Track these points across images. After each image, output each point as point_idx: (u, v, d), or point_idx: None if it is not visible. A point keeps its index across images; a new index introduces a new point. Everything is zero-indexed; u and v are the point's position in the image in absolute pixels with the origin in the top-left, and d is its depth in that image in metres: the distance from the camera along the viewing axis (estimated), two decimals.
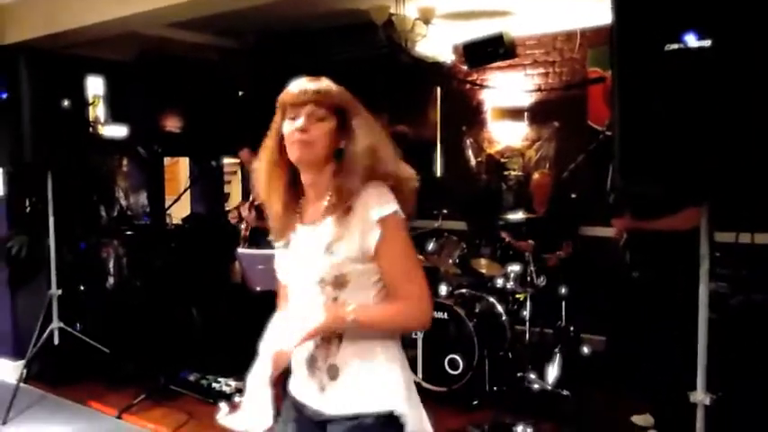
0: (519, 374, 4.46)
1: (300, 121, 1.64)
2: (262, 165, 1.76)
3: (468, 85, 6.29)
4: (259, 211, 4.33)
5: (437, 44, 5.91)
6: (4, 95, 4.50)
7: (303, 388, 1.76)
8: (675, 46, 1.98)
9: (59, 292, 4.62)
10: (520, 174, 6.07)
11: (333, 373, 1.69)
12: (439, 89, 6.50)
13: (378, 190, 1.65)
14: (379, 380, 1.67)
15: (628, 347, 3.90)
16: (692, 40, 1.96)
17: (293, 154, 1.67)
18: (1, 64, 4.66)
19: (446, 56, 6.29)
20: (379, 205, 1.63)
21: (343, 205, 1.65)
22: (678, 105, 2.00)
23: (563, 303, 4.76)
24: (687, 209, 3.29)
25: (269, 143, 1.75)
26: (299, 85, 1.69)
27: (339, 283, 1.66)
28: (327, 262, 1.65)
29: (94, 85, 5.84)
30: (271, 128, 1.75)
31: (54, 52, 4.72)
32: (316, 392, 1.72)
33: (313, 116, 1.65)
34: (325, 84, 1.69)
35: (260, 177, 1.77)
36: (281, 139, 1.71)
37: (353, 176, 1.64)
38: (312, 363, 1.71)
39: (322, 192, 1.71)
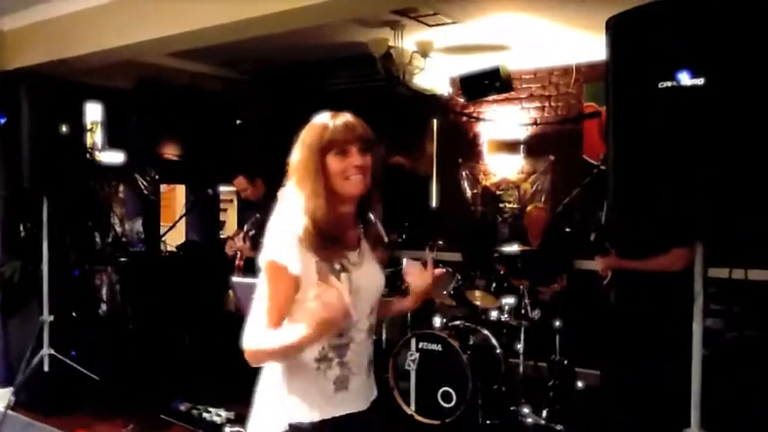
0: (512, 408, 4.42)
1: (357, 157, 1.72)
2: (322, 205, 1.69)
3: (464, 118, 6.35)
4: (254, 241, 4.32)
5: (434, 77, 5.98)
6: (3, 120, 4.53)
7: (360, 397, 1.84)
8: (669, 84, 2.01)
9: (51, 318, 4.59)
10: (515, 206, 6.10)
11: None
12: (436, 121, 6.56)
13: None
14: None
15: (622, 382, 3.87)
16: (685, 79, 1.99)
17: (352, 189, 1.73)
18: (1, 89, 4.70)
19: (443, 88, 6.36)
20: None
21: (379, 229, 1.88)
22: (671, 142, 2.03)
23: (557, 337, 4.74)
24: (676, 249, 3.28)
25: (315, 184, 1.70)
26: (343, 121, 1.74)
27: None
28: (384, 277, 1.87)
29: (93, 112, 5.88)
30: (303, 168, 1.72)
31: (54, 79, 4.76)
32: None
33: (361, 150, 1.73)
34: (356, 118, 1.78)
35: (326, 216, 1.69)
36: (326, 175, 1.71)
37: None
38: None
39: (352, 220, 1.83)
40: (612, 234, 3.75)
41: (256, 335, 1.70)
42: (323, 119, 1.76)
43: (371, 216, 1.87)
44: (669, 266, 3.30)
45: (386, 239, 1.91)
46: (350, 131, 1.72)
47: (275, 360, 1.73)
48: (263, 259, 1.72)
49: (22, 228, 5.03)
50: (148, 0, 4.11)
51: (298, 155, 1.75)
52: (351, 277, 1.72)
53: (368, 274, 1.80)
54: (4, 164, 4.62)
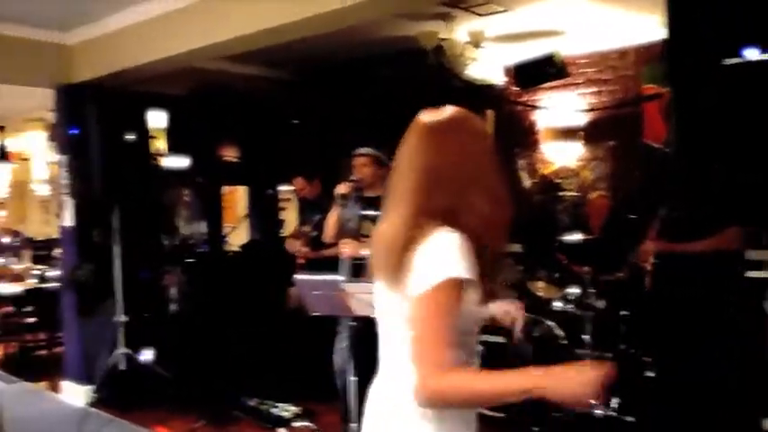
0: None
1: None
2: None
3: (520, 107, 6.26)
4: (314, 241, 4.37)
5: (488, 66, 5.92)
6: (75, 131, 4.72)
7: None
8: (735, 60, 1.94)
9: (125, 318, 4.78)
10: (575, 194, 5.98)
11: None
12: (491, 112, 6.48)
13: None
14: None
15: (680, 372, 3.74)
16: (753, 54, 1.92)
17: None
18: (70, 102, 4.90)
19: (497, 78, 6.29)
20: None
21: None
22: (735, 120, 1.96)
23: (623, 326, 4.63)
24: (731, 228, 3.15)
25: (504, 187, 1.64)
26: None
27: None
28: None
29: (155, 119, 6.06)
30: (493, 169, 1.65)
31: (117, 89, 4.93)
32: None
33: None
34: None
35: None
36: None
37: None
38: None
39: None
40: (664, 219, 3.62)
41: (446, 374, 1.42)
42: (467, 112, 1.65)
43: None
44: (724, 247, 3.17)
45: None
46: None
47: (478, 404, 1.57)
48: (434, 277, 1.42)
49: (94, 233, 5.24)
50: (199, 8, 4.21)
51: (480, 156, 1.64)
52: None
53: None
54: (78, 173, 4.82)
